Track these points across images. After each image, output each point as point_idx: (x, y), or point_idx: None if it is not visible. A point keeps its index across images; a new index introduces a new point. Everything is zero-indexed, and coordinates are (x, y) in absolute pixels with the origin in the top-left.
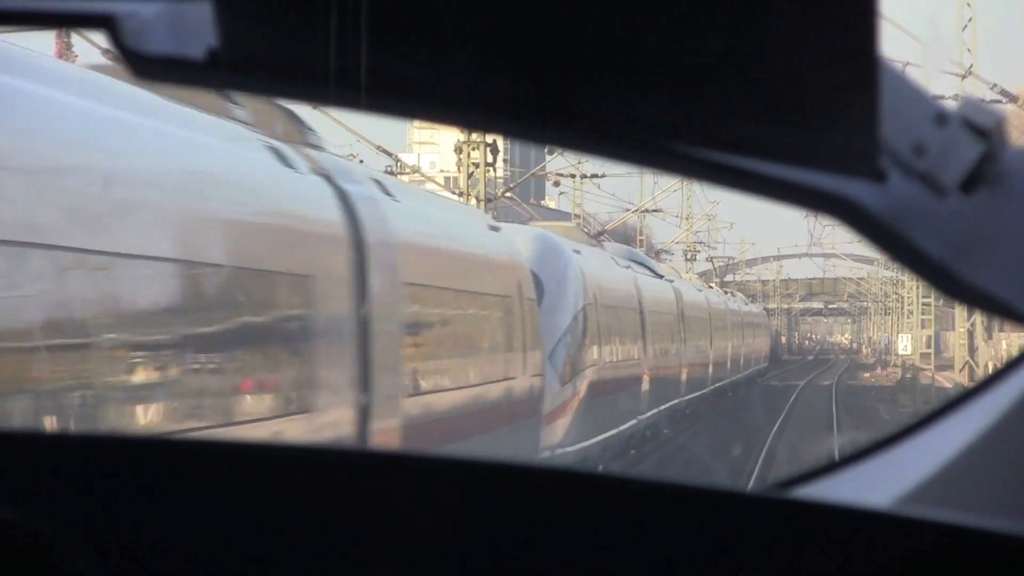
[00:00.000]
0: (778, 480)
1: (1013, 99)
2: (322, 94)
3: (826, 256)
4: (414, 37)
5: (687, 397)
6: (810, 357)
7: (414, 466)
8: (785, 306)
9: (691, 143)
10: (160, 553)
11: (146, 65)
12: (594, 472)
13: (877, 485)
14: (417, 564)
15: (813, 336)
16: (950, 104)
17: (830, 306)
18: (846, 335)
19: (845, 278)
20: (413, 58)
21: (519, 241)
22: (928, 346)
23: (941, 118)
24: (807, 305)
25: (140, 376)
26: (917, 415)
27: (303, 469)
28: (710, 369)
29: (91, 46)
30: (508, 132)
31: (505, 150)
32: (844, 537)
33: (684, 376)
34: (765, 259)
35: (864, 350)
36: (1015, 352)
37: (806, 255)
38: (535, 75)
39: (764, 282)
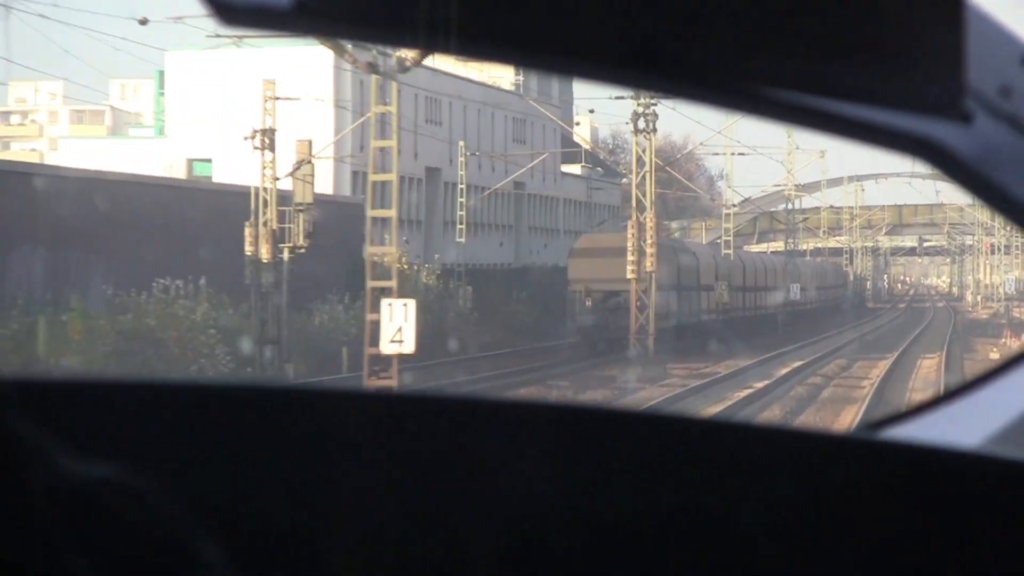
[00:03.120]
0: (867, 422)
1: None
2: (410, 38)
3: (916, 177)
4: None
5: None
6: (901, 305)
7: (505, 413)
8: (869, 243)
9: (777, 86)
10: (249, 502)
11: (232, 13)
12: (676, 414)
13: (967, 426)
14: (510, 510)
15: (907, 279)
16: None
17: (925, 243)
18: (943, 277)
19: (943, 204)
20: (501, 1)
21: None
22: None
23: None
24: (897, 241)
25: None
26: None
27: (385, 414)
28: None
29: None
30: (594, 77)
31: None
32: (932, 478)
33: None
34: (832, 181)
35: (968, 297)
36: None
37: (892, 175)
38: (622, 20)
39: (837, 209)
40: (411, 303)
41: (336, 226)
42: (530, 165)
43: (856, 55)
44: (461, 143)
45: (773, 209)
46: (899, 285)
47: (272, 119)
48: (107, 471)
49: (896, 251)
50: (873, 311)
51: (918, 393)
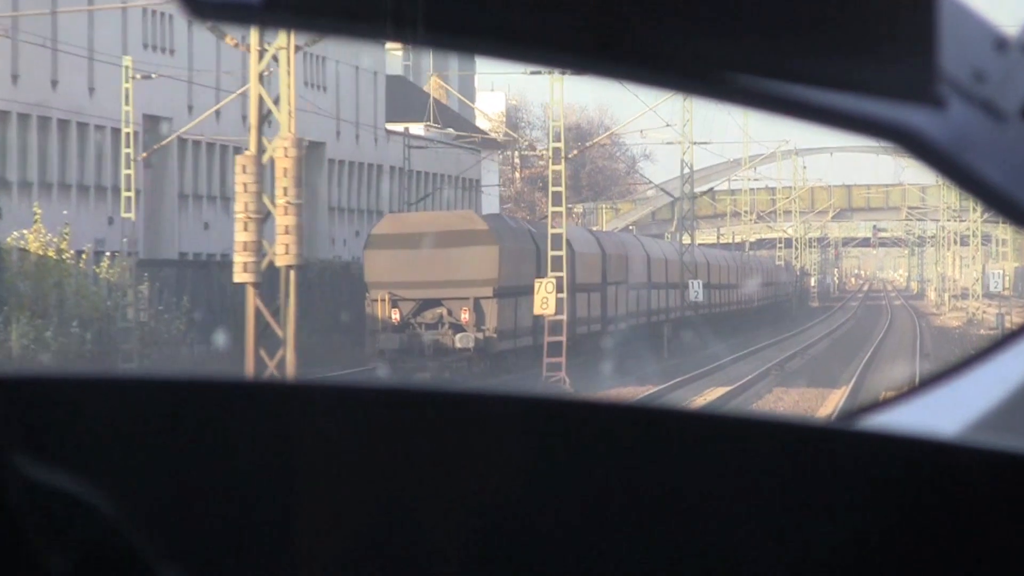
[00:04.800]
0: (846, 411)
1: None
2: (379, 30)
3: (870, 151)
4: None
5: None
6: (853, 303)
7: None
8: (815, 233)
9: (749, 73)
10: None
11: (202, 6)
12: (656, 406)
13: (945, 413)
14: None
15: (862, 273)
16: (1011, 30)
17: (880, 232)
18: (900, 271)
19: (900, 184)
20: None
21: None
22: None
23: (1001, 44)
24: (848, 230)
25: None
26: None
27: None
28: None
29: None
30: (564, 65)
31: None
32: (910, 466)
33: None
34: (761, 158)
35: (931, 294)
36: None
37: (840, 148)
38: (590, 7)
39: (772, 190)
40: None
41: None
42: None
43: (827, 40)
44: (127, 60)
45: (698, 190)
46: (852, 280)
47: None
48: (62, 481)
49: (848, 242)
50: (819, 311)
51: None
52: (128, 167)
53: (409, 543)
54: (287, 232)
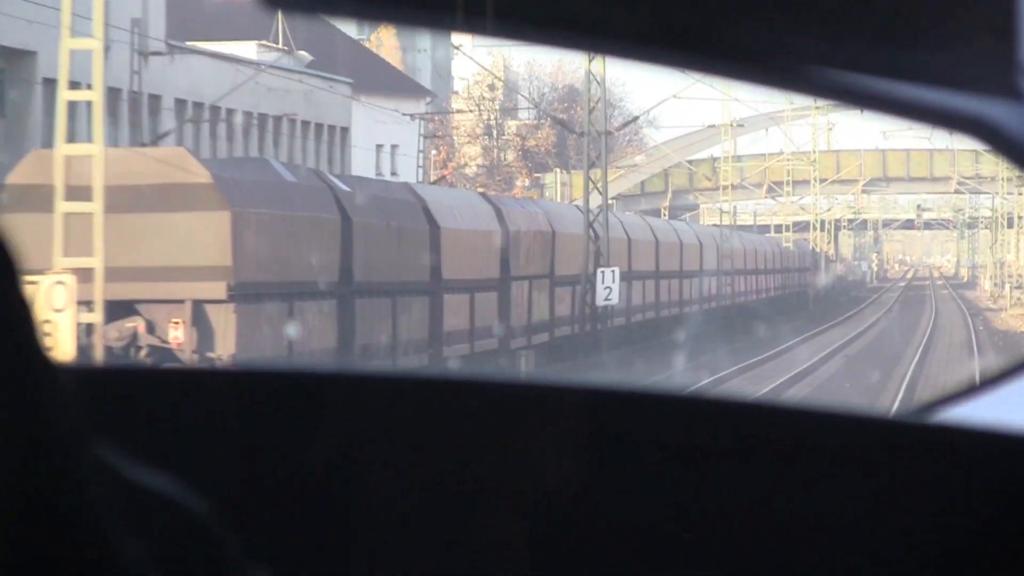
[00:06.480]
0: (918, 404)
1: None
2: (449, 21)
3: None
4: None
5: None
6: (893, 293)
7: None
8: (844, 213)
9: (825, 66)
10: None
11: None
12: (735, 399)
13: (1020, 406)
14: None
15: (907, 258)
16: None
17: (926, 212)
18: (948, 256)
19: (947, 149)
20: None
21: None
22: None
23: None
24: (888, 209)
25: None
26: None
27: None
28: None
29: None
30: (638, 58)
31: None
32: (987, 459)
33: None
34: (777, 114)
35: (985, 283)
36: None
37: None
38: (663, 2)
39: (780, 155)
40: None
41: None
42: None
43: (906, 34)
44: None
45: (693, 157)
46: (896, 266)
47: None
48: (146, 474)
49: (888, 223)
50: (846, 304)
51: None
52: None
53: (470, 530)
54: None
